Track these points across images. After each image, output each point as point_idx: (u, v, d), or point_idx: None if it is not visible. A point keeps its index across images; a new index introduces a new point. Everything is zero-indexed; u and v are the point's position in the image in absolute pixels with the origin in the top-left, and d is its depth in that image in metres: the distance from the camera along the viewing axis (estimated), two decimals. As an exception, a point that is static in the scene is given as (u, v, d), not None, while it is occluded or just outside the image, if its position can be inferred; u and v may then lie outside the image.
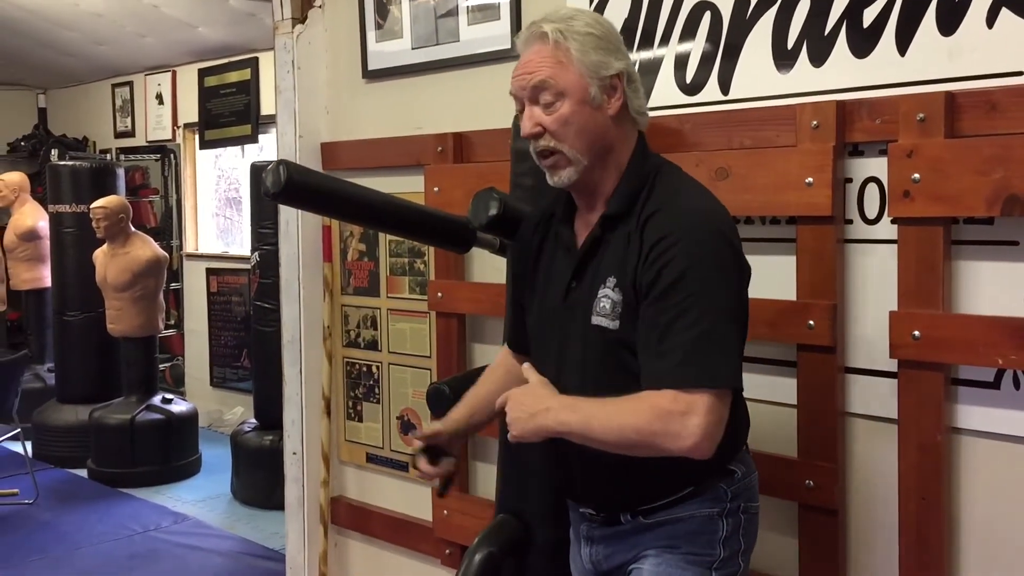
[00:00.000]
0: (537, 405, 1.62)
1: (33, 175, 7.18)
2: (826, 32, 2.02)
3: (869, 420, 1.99)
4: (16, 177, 6.67)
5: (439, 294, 2.80)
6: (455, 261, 2.77)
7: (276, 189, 1.96)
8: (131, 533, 4.59)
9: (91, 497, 5.13)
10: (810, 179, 1.97)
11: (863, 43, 1.97)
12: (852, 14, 1.99)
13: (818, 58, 2.04)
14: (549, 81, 1.63)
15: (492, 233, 2.05)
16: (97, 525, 4.69)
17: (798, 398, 2.05)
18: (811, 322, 1.99)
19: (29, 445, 5.32)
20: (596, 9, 2.39)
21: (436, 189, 2.76)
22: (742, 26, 2.15)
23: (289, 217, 3.16)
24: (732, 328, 1.56)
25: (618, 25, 2.35)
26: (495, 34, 2.64)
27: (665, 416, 1.50)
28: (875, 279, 1.97)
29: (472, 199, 2.01)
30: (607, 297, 1.63)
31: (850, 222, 2.00)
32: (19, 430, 4.85)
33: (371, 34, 3.00)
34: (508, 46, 2.58)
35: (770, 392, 2.12)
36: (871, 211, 1.98)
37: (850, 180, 2.00)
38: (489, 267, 2.70)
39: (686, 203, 1.63)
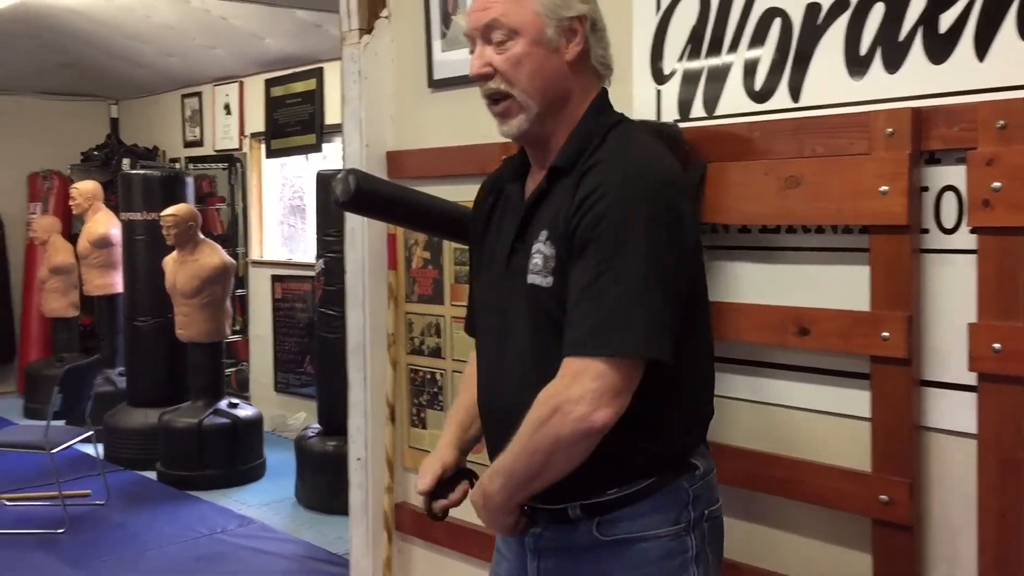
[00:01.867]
0: (478, 494, 1.56)
1: (105, 183, 7.38)
2: (901, 38, 1.98)
3: (947, 435, 1.93)
4: (90, 186, 6.86)
5: (504, 302, 2.79)
6: (520, 269, 2.77)
7: (345, 198, 1.98)
8: (198, 535, 4.68)
9: (160, 499, 5.25)
10: (885, 187, 1.93)
11: (940, 49, 1.93)
12: (928, 19, 1.94)
13: (892, 64, 2.00)
14: (501, 19, 1.51)
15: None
16: (166, 527, 4.79)
17: (872, 411, 2.00)
18: (885, 334, 1.94)
19: (101, 447, 5.46)
20: (663, 17, 2.37)
21: (501, 198, 2.76)
22: (813, 32, 2.12)
23: (355, 225, 3.19)
24: (653, 294, 1.41)
25: (685, 32, 2.34)
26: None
27: (553, 396, 1.40)
28: (952, 290, 1.92)
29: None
30: (539, 252, 1.50)
31: (926, 231, 1.95)
32: (91, 432, 4.97)
33: (436, 43, 3.02)
34: (574, 54, 2.58)
35: (842, 405, 2.07)
36: (948, 220, 1.93)
37: (926, 189, 1.95)
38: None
39: (631, 157, 1.50)
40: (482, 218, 1.72)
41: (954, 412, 1.92)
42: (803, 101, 2.14)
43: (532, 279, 1.51)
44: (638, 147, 1.55)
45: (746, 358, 2.24)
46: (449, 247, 3.07)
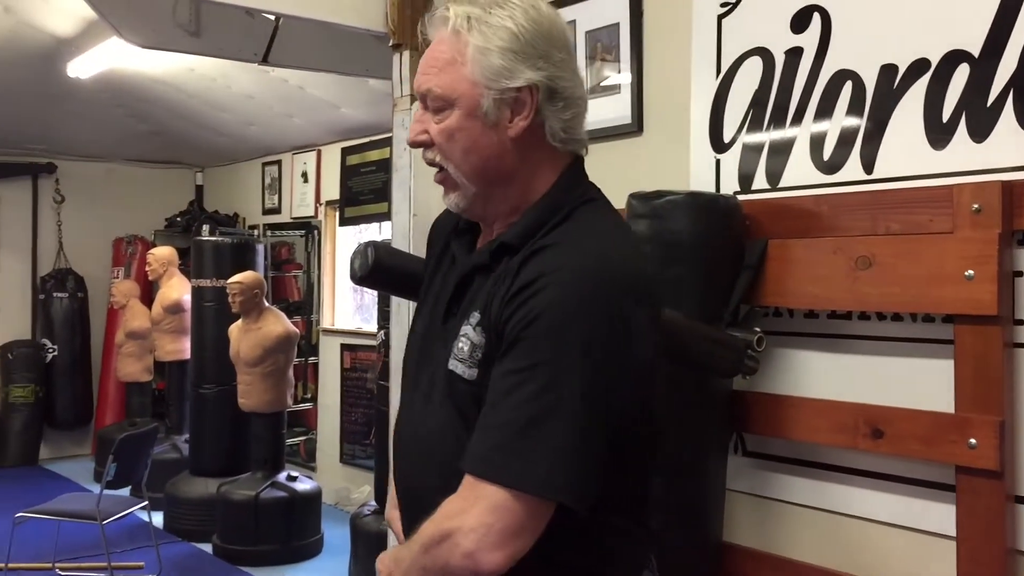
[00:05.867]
0: (389, 563, 1.32)
1: (185, 249, 7.44)
2: (989, 103, 1.75)
3: (1048, 563, 1.65)
4: (165, 251, 6.92)
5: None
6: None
7: (363, 272, 1.82)
8: (246, 616, 4.50)
9: (212, 575, 5.10)
10: (971, 271, 1.68)
11: (1035, 114, 1.69)
12: (1020, 82, 1.71)
13: (979, 133, 1.76)
14: (435, 89, 1.32)
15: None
16: (213, 605, 4.63)
17: (957, 530, 1.72)
18: (973, 440, 1.67)
19: (159, 516, 5.36)
20: (724, 80, 2.18)
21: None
22: (889, 97, 1.90)
23: (400, 299, 3.03)
24: (574, 425, 1.17)
25: (747, 98, 2.14)
26: (615, 110, 2.46)
27: (449, 518, 1.18)
28: (1053, 392, 1.65)
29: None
30: (467, 337, 1.30)
31: (1021, 323, 1.69)
32: (146, 503, 4.88)
33: (489, 111, 2.88)
34: (628, 121, 2.41)
35: (922, 520, 1.80)
36: (1047, 311, 1.67)
37: (1020, 274, 1.69)
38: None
39: (584, 249, 1.26)
40: (432, 263, 1.53)
41: (1057, 537, 1.63)
42: (877, 173, 1.92)
43: (453, 365, 1.31)
44: (598, 237, 1.30)
45: (810, 459, 1.99)
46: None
